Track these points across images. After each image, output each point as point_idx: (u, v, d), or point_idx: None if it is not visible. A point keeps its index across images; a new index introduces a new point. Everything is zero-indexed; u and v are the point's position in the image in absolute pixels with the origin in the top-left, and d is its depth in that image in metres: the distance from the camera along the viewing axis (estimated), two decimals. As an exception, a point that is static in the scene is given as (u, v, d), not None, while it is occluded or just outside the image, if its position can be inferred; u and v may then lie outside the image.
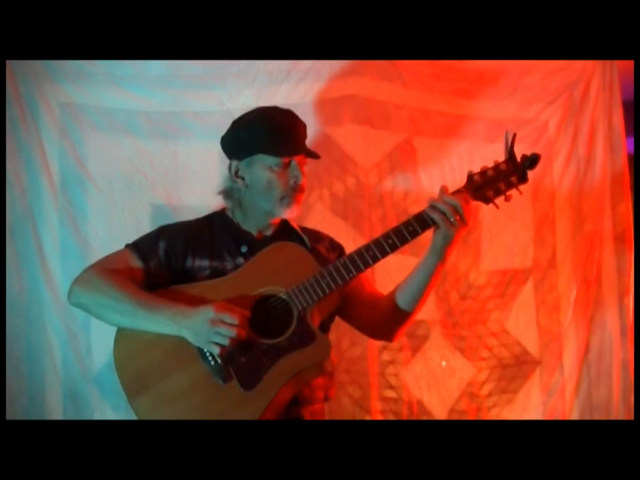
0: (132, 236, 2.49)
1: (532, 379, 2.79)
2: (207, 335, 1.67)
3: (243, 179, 1.88)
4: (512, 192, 1.78)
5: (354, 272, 1.76)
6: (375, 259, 1.76)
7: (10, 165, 2.43)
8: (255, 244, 1.88)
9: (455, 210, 1.70)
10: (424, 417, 2.67)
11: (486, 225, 2.77)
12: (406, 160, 2.73)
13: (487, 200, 1.78)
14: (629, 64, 2.55)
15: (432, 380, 2.70)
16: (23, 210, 2.45)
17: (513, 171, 1.77)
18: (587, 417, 2.81)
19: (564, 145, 2.88)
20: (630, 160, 2.93)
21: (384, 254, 1.76)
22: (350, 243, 2.53)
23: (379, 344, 2.61)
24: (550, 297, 2.84)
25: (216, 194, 1.96)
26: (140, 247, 1.85)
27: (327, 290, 1.75)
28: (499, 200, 1.78)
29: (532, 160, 1.76)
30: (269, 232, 1.92)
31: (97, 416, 2.43)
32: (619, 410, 2.82)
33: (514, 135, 1.76)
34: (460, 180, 2.73)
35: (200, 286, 1.79)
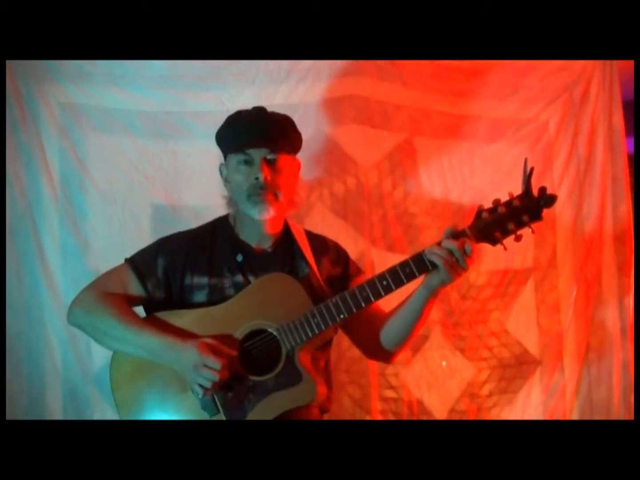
0: (132, 236, 2.50)
1: (532, 379, 2.79)
2: (191, 376, 1.68)
3: (230, 182, 1.87)
4: (523, 230, 1.68)
5: (345, 314, 1.72)
6: (368, 301, 1.72)
7: (10, 165, 2.43)
8: (253, 256, 1.85)
9: (454, 255, 1.64)
10: (424, 417, 2.67)
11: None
12: (406, 160, 2.73)
13: (494, 242, 1.69)
14: (629, 64, 2.55)
15: (432, 380, 2.70)
16: (23, 210, 2.45)
17: (526, 208, 1.66)
18: (587, 417, 2.80)
19: (564, 145, 2.88)
20: (630, 160, 2.93)
21: (377, 296, 1.71)
22: (350, 243, 2.54)
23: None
24: (551, 297, 2.84)
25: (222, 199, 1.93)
26: (139, 264, 1.84)
27: (317, 331, 1.72)
28: (508, 241, 1.69)
29: (549, 200, 1.65)
30: (268, 245, 1.88)
31: (97, 416, 2.43)
32: (619, 410, 2.81)
33: (532, 169, 1.66)
34: (460, 181, 2.77)
35: (192, 314, 1.78)
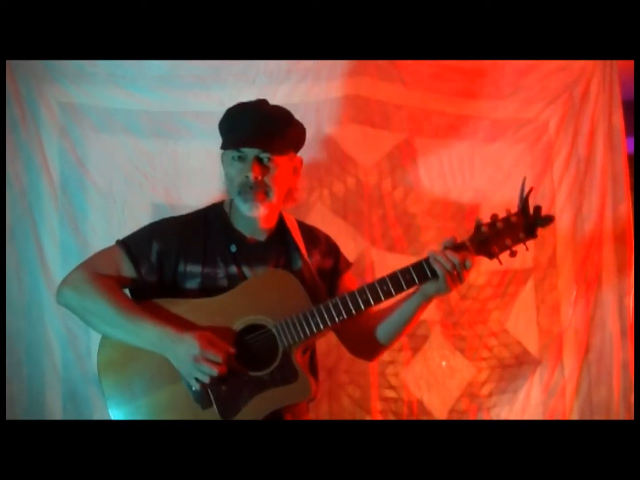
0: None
1: (532, 379, 2.79)
2: (189, 369, 1.65)
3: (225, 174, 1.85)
4: (518, 247, 1.72)
5: (344, 315, 1.72)
6: (368, 304, 1.72)
7: (10, 165, 2.43)
8: (246, 246, 1.83)
9: (456, 268, 1.68)
10: (424, 417, 2.67)
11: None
12: (406, 160, 2.73)
13: (491, 256, 1.73)
14: (629, 64, 2.55)
15: (432, 380, 2.70)
16: (23, 210, 2.45)
17: (522, 225, 1.71)
18: (587, 417, 2.81)
19: (564, 145, 2.88)
20: (630, 160, 2.93)
21: (377, 300, 1.72)
22: (351, 243, 2.54)
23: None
24: (551, 297, 2.84)
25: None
26: (132, 248, 1.79)
27: (315, 330, 1.71)
28: (503, 255, 1.73)
29: (544, 220, 1.71)
30: (262, 237, 1.85)
31: (97, 416, 2.43)
32: (619, 410, 2.82)
33: (531, 189, 1.70)
34: (460, 181, 2.77)
35: (190, 303, 1.75)
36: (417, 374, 2.69)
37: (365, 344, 1.93)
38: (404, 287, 1.72)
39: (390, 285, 1.71)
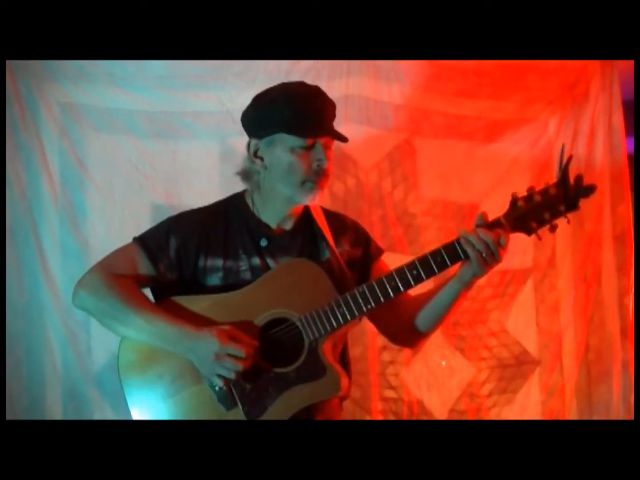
0: (132, 236, 2.49)
1: (531, 379, 2.80)
2: (211, 367, 1.59)
3: (262, 159, 1.72)
4: (559, 220, 1.61)
5: (372, 304, 1.62)
6: (397, 291, 1.62)
7: (10, 165, 2.44)
8: (274, 238, 1.74)
9: (489, 248, 1.57)
10: (424, 417, 2.67)
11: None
12: (406, 160, 2.73)
13: (529, 232, 1.62)
14: (629, 64, 2.55)
15: (432, 380, 2.70)
16: (23, 210, 2.45)
17: (562, 197, 1.58)
18: (586, 417, 2.81)
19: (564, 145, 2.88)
20: (630, 160, 2.93)
21: (407, 286, 1.62)
22: (350, 243, 2.54)
23: (379, 343, 2.61)
24: (550, 297, 2.84)
25: (235, 174, 1.78)
26: (150, 245, 1.72)
27: (342, 321, 1.62)
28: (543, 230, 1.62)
29: (587, 189, 1.58)
30: (288, 226, 1.76)
31: (97, 416, 2.44)
32: (619, 410, 2.82)
33: (570, 156, 1.58)
34: (460, 181, 2.77)
35: (209, 299, 1.69)
36: (417, 374, 2.70)
37: (404, 332, 1.82)
38: (436, 270, 1.61)
39: (420, 269, 1.61)
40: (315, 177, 1.68)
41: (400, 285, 1.62)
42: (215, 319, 1.66)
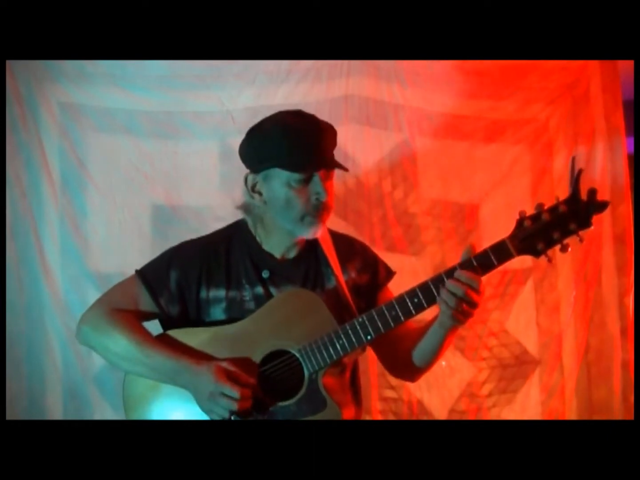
0: (132, 236, 2.49)
1: (531, 379, 2.80)
2: (207, 405, 1.58)
3: (260, 194, 1.67)
4: (570, 239, 1.48)
5: (372, 334, 1.57)
6: (398, 321, 1.57)
7: (10, 165, 2.44)
8: (278, 268, 1.71)
9: (465, 300, 1.49)
10: (424, 417, 2.67)
11: (486, 225, 2.77)
12: (406, 160, 2.73)
13: (537, 254, 1.50)
14: (629, 64, 2.55)
15: (432, 380, 2.70)
16: (23, 210, 2.46)
17: (574, 214, 1.45)
18: (586, 417, 2.81)
19: (564, 145, 2.88)
20: (630, 160, 2.93)
21: (408, 315, 1.57)
22: (350, 243, 2.54)
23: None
24: (550, 297, 2.84)
25: (235, 209, 1.75)
26: (150, 278, 1.70)
27: (342, 353, 1.58)
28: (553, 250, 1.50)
29: (600, 205, 1.45)
30: (292, 254, 1.72)
31: (97, 416, 2.44)
32: (619, 410, 2.82)
33: (580, 170, 1.46)
34: (460, 181, 2.77)
35: (209, 332, 1.66)
36: (417, 374, 2.70)
37: (402, 366, 1.78)
38: (425, 304, 1.56)
39: (421, 297, 1.55)
40: (315, 212, 1.63)
41: (400, 314, 1.57)
42: (216, 352, 1.64)
